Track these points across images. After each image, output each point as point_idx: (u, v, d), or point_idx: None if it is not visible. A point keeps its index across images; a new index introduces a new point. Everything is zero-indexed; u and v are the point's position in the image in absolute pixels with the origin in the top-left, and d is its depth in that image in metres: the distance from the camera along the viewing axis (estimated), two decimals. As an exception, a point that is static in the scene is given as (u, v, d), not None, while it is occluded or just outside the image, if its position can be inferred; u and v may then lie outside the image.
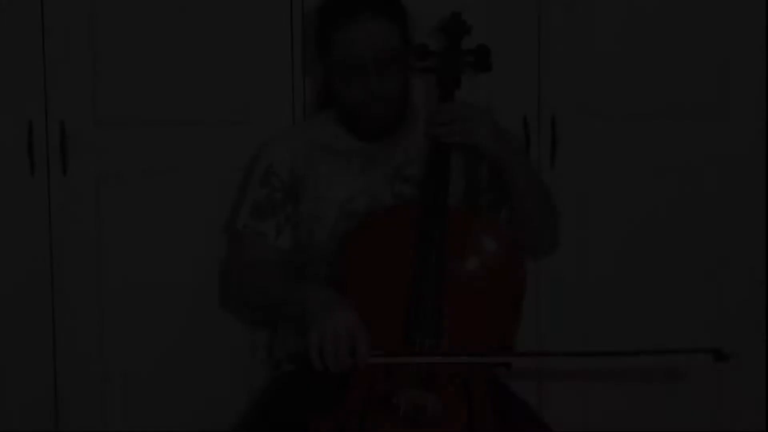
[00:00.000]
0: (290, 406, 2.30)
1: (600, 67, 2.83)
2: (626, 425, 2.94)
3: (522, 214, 2.38)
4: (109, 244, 2.69)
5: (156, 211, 2.70)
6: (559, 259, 2.72)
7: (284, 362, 2.49)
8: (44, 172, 2.64)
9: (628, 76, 2.85)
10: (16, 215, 2.65)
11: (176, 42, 2.67)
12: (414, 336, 2.17)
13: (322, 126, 2.49)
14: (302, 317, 2.15)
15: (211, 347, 2.76)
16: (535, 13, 2.79)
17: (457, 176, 2.44)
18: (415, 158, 2.44)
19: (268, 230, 2.41)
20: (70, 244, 2.67)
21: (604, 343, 2.91)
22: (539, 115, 2.82)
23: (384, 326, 2.20)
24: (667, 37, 2.87)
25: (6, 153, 2.62)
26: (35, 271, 2.67)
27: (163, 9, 2.66)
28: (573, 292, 2.89)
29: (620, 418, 2.94)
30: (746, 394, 3.01)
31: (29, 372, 2.69)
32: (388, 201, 2.41)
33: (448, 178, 2.30)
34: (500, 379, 2.47)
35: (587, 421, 2.93)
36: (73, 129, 2.64)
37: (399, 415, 2.08)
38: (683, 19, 2.87)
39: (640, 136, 2.88)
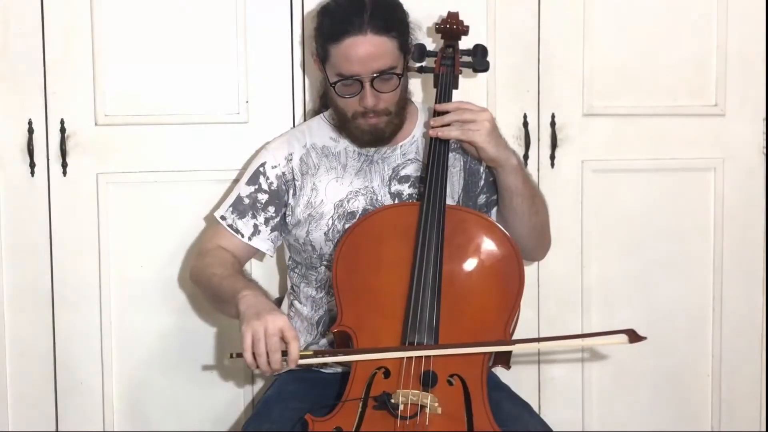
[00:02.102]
0: (290, 406, 2.30)
1: (599, 67, 2.83)
2: (625, 425, 2.94)
3: (511, 217, 2.38)
4: (109, 244, 2.69)
5: (156, 211, 2.70)
6: (558, 258, 2.71)
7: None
8: (44, 172, 2.64)
9: (628, 75, 2.85)
10: (16, 215, 2.64)
11: (176, 42, 2.67)
12: (411, 336, 2.17)
13: (320, 128, 2.49)
14: (237, 317, 2.17)
15: (211, 347, 2.76)
16: (535, 13, 2.79)
17: (457, 176, 2.44)
18: (413, 158, 2.44)
19: (243, 228, 2.43)
20: (70, 244, 2.67)
21: (604, 343, 2.91)
22: (539, 115, 2.82)
23: (381, 325, 2.20)
24: (666, 36, 2.87)
25: (6, 153, 2.62)
26: (35, 270, 2.66)
27: (163, 9, 2.66)
28: (573, 291, 2.89)
29: (619, 418, 2.94)
30: (746, 394, 3.01)
31: (29, 372, 2.69)
32: (385, 201, 2.41)
33: (446, 176, 2.29)
34: (500, 378, 2.48)
35: (586, 421, 2.93)
36: (73, 129, 2.64)
37: (398, 414, 2.09)
38: (683, 19, 2.87)
39: (640, 136, 2.88)
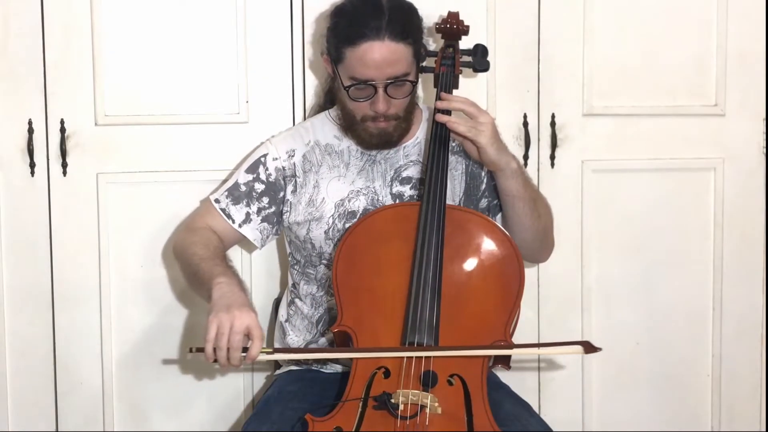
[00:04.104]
0: (290, 406, 2.30)
1: (599, 67, 2.83)
2: (625, 425, 2.94)
3: (514, 221, 2.39)
4: (109, 244, 2.69)
5: (156, 211, 2.70)
6: (558, 258, 2.71)
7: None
8: (44, 172, 2.64)
9: (628, 75, 2.85)
10: (16, 215, 2.64)
11: (176, 42, 2.67)
12: (411, 336, 2.17)
13: (323, 125, 2.49)
14: (208, 302, 2.17)
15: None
16: (535, 13, 2.79)
17: (459, 179, 2.44)
18: (415, 160, 2.44)
19: (235, 214, 2.44)
20: (70, 244, 2.67)
21: (605, 343, 2.90)
22: (539, 115, 2.82)
23: (381, 326, 2.20)
24: (666, 36, 2.87)
25: (6, 153, 2.62)
26: (35, 270, 2.66)
27: (163, 9, 2.66)
28: (573, 292, 2.89)
29: (619, 417, 2.94)
30: (746, 394, 3.01)
31: (29, 372, 2.69)
32: (386, 201, 2.41)
33: (446, 176, 2.29)
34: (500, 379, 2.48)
35: (586, 421, 2.92)
36: (73, 129, 2.64)
37: (398, 414, 2.09)
38: (683, 19, 2.87)
39: (640, 136, 2.88)
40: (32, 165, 2.63)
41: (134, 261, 2.71)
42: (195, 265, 2.31)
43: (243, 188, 2.44)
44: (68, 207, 2.66)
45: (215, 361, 2.11)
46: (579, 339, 2.84)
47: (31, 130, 2.62)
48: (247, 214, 2.44)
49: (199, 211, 2.53)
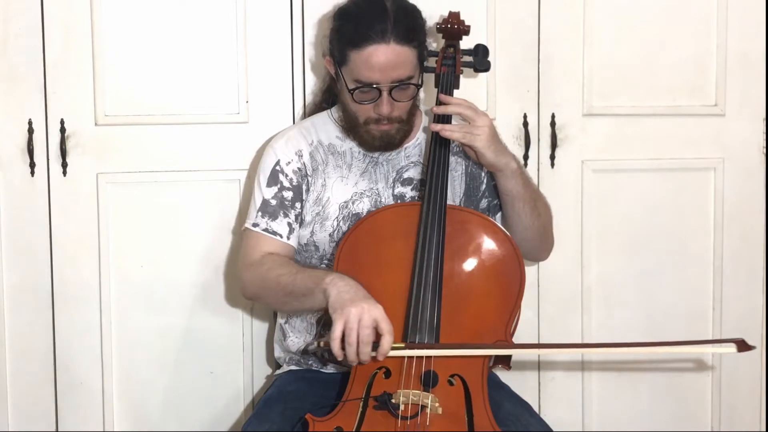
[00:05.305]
0: (290, 406, 2.30)
1: (599, 67, 2.83)
2: (625, 425, 2.94)
3: (514, 221, 2.39)
4: (109, 244, 2.69)
5: (156, 211, 2.70)
6: (558, 258, 2.71)
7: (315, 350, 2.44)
8: (44, 172, 2.64)
9: (628, 75, 2.86)
10: (16, 215, 2.64)
11: (176, 42, 2.67)
12: (412, 335, 2.17)
13: (325, 124, 2.48)
14: (323, 306, 2.13)
15: (211, 347, 2.75)
16: (535, 13, 2.79)
17: (459, 179, 2.44)
18: (416, 161, 2.44)
19: (279, 228, 2.39)
20: (70, 244, 2.67)
21: (604, 341, 2.91)
22: (539, 115, 2.82)
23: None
24: (666, 36, 2.87)
25: (6, 153, 2.62)
26: (35, 270, 2.66)
27: (163, 9, 2.66)
28: (573, 291, 2.89)
29: (619, 418, 2.94)
30: (746, 394, 3.01)
31: (29, 372, 2.69)
32: (388, 203, 2.41)
33: (446, 177, 2.29)
34: (500, 379, 2.48)
35: (586, 421, 2.92)
36: (73, 129, 2.64)
37: (399, 415, 2.09)
38: (683, 19, 2.88)
39: (640, 136, 2.88)
40: (32, 165, 2.63)
41: (134, 261, 2.71)
42: (288, 283, 2.24)
43: (273, 202, 2.39)
44: (68, 207, 2.66)
45: (344, 358, 2.07)
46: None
47: (31, 130, 2.62)
48: (289, 225, 2.39)
49: (246, 247, 2.43)
